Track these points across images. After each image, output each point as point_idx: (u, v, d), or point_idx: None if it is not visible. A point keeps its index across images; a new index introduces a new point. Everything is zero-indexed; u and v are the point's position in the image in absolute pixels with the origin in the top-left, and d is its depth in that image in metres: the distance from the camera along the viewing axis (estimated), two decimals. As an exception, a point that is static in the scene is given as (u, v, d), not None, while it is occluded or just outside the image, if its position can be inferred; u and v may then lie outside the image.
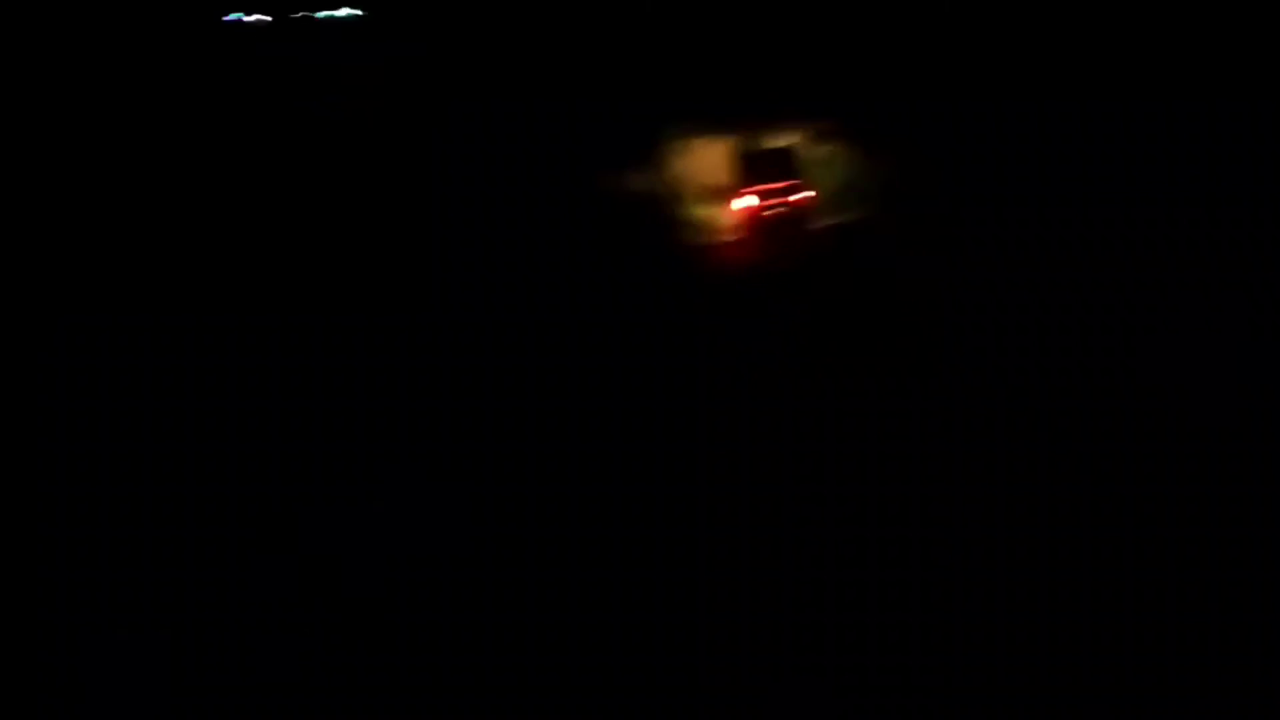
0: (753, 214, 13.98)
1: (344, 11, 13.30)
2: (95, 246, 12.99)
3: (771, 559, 10.32)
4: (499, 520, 10.55)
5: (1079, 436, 12.67)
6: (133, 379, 11.82)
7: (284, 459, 10.95)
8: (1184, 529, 11.78)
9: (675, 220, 14.13)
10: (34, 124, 13.72)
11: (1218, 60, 15.65)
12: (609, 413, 11.69)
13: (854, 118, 14.90)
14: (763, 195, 14.14)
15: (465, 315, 12.61)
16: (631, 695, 9.06)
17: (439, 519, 10.57)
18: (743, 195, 14.47)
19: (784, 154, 14.97)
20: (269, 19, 12.97)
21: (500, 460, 11.21)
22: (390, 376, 12.01)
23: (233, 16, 12.19)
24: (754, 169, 14.71)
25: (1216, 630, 10.63)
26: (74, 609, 9.80)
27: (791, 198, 15.09)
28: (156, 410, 11.67)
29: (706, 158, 16.11)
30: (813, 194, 15.00)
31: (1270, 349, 13.92)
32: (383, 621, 9.55)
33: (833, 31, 15.26)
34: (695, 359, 12.51)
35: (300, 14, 13.21)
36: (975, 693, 9.38)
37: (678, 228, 13.95)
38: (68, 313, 12.09)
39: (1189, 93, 15.47)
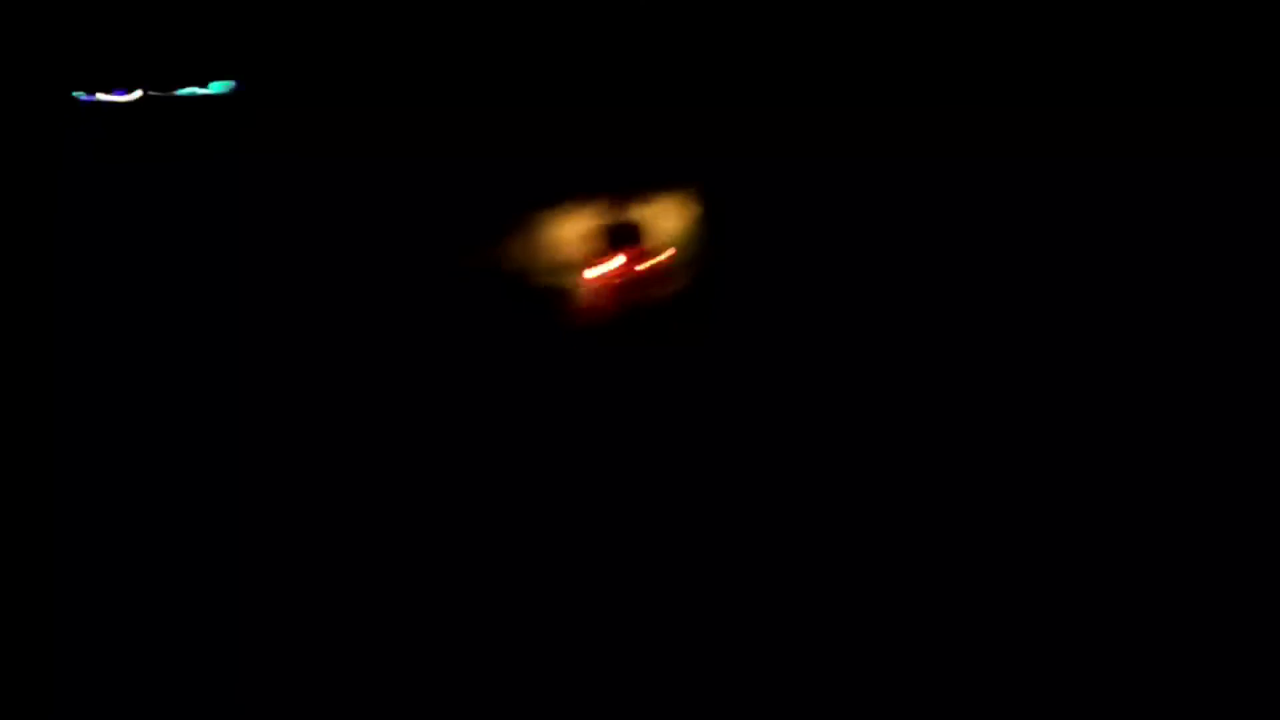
0: (608, 282, 15.08)
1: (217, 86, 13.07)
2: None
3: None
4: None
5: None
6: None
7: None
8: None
9: (532, 291, 14.14)
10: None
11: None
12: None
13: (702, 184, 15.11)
14: (618, 263, 15.20)
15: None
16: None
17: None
18: (599, 264, 15.14)
19: (639, 224, 16.20)
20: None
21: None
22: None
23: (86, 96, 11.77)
24: (610, 238, 16.03)
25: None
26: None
27: (647, 265, 15.37)
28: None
29: (562, 228, 16.44)
30: (666, 260, 15.16)
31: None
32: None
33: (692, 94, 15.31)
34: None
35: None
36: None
37: (535, 299, 13.94)
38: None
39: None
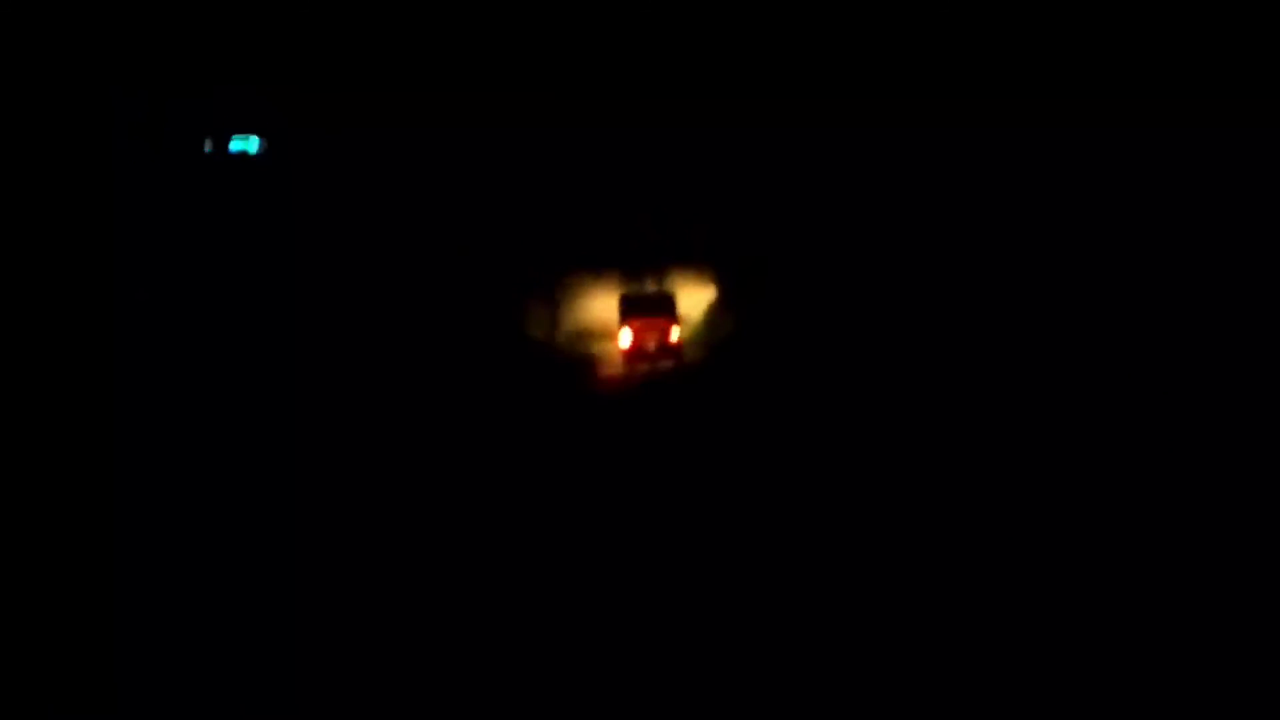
0: (631, 349, 16.74)
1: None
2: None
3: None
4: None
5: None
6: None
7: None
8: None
9: (564, 356, 15.97)
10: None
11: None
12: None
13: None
14: (641, 332, 16.81)
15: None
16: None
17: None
18: (623, 332, 16.85)
19: (662, 296, 17.66)
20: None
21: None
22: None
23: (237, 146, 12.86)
24: (634, 309, 17.52)
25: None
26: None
27: (668, 335, 16.90)
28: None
29: (590, 299, 17.63)
30: (679, 333, 16.67)
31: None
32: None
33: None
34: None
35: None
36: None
37: (566, 362, 15.69)
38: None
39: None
